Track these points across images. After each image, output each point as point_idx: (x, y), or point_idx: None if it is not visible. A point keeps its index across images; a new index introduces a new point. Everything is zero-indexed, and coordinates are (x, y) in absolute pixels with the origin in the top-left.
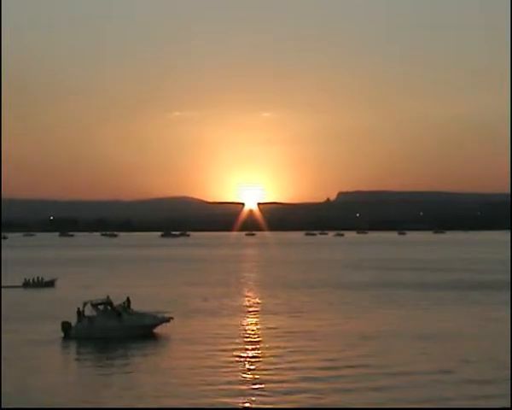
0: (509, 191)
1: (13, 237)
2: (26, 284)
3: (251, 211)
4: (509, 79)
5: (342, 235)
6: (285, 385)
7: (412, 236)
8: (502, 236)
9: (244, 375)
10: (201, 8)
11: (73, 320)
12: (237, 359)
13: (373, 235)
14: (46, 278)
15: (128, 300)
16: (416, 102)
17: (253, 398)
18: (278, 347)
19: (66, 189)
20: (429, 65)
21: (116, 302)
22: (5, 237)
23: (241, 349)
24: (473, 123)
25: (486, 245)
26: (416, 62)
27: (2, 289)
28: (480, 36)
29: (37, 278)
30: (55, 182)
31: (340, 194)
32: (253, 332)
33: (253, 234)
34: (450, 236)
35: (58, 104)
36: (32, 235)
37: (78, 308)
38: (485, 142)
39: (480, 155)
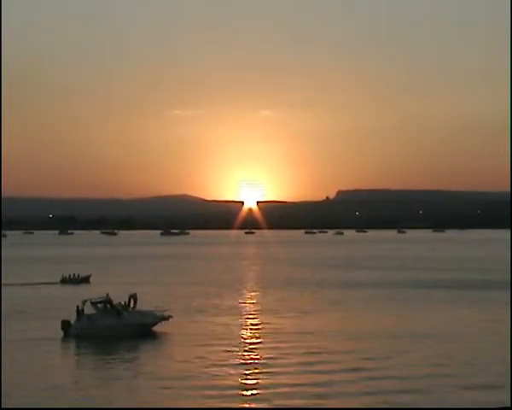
0: (509, 190)
1: (12, 235)
2: (64, 281)
3: (250, 209)
4: (509, 79)
5: (342, 233)
6: (283, 385)
7: (412, 234)
8: (502, 235)
9: (243, 373)
10: (200, 5)
11: (73, 319)
12: (237, 357)
13: (372, 233)
14: (82, 275)
15: (131, 298)
16: (416, 102)
17: (252, 398)
18: (277, 346)
19: (65, 187)
20: (430, 65)
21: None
22: (4, 235)
23: (240, 348)
24: (473, 122)
25: (486, 244)
26: (416, 62)
27: (41, 286)
28: (481, 36)
29: (74, 274)
30: (54, 180)
31: (340, 192)
32: (252, 331)
33: (252, 232)
34: (449, 234)
35: (57, 102)
36: (31, 233)
37: (78, 306)
38: (485, 141)
39: (481, 154)
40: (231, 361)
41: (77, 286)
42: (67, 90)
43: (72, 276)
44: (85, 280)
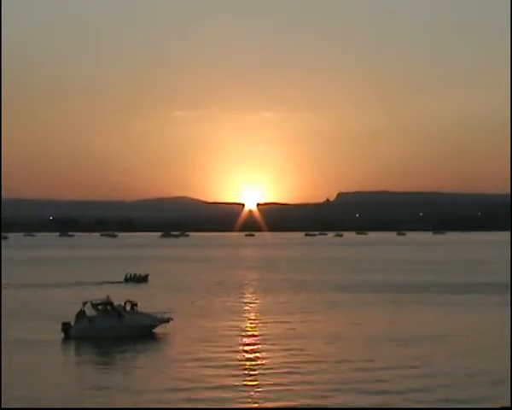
0: (509, 192)
1: (13, 237)
2: (127, 279)
3: (251, 211)
4: (509, 79)
5: (341, 236)
6: (283, 386)
7: (412, 236)
8: (502, 237)
9: (242, 375)
10: (201, 5)
11: (73, 321)
12: (236, 359)
13: (372, 236)
14: (142, 274)
15: (126, 303)
16: (417, 104)
17: (253, 397)
18: (276, 348)
19: (65, 189)
20: (431, 66)
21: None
22: (6, 237)
23: (240, 350)
24: (474, 124)
25: (487, 246)
26: (418, 64)
27: (105, 284)
28: (481, 36)
29: (135, 274)
30: (54, 182)
31: (340, 194)
32: (251, 333)
33: (252, 235)
34: (449, 236)
35: (58, 103)
36: (32, 235)
37: (83, 309)
38: (486, 143)
39: (481, 156)
40: (231, 363)
41: (137, 285)
42: (67, 92)
43: (132, 275)
44: (145, 279)
